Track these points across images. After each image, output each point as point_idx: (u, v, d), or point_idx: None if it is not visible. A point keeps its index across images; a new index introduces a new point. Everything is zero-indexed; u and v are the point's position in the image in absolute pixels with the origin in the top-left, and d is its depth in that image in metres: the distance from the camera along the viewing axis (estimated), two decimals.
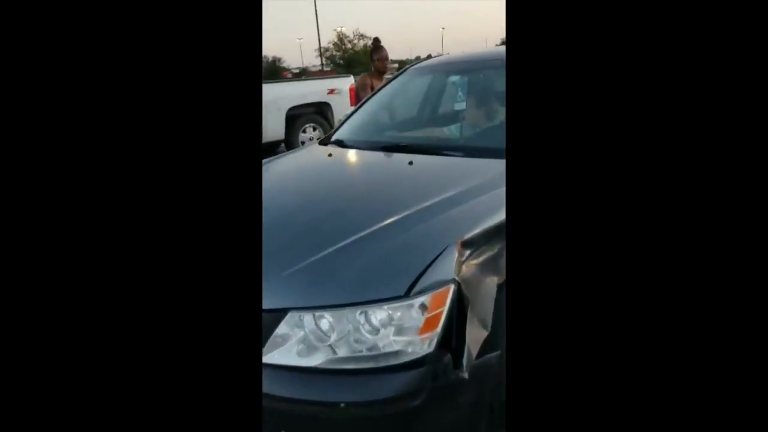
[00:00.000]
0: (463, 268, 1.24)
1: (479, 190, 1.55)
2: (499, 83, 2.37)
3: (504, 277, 1.35)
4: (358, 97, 3.76)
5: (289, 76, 23.99)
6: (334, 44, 39.42)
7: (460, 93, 2.59)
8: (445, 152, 1.92)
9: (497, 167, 1.61)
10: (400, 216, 1.38)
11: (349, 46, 38.80)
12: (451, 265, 1.20)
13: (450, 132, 2.31)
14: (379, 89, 2.77)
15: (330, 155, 2.18)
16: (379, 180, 1.80)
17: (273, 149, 6.29)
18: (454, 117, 2.58)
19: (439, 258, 1.20)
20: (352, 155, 2.16)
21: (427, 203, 1.45)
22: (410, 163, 1.84)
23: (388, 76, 3.48)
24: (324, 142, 2.46)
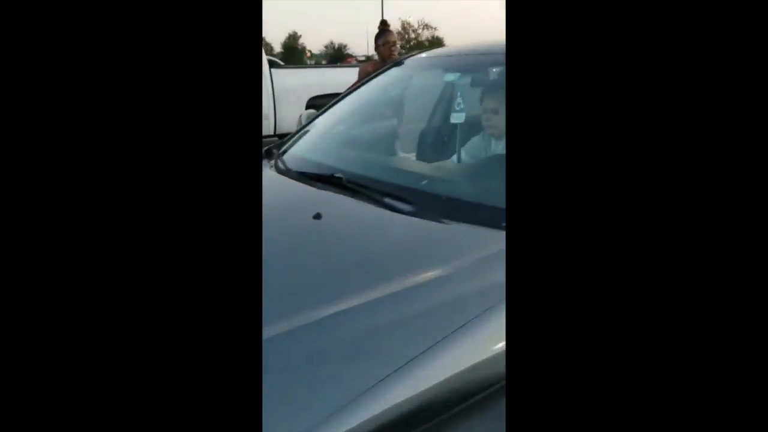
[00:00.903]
0: None
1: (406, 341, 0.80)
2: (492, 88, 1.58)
3: None
4: None
5: (353, 62, 23.71)
6: (398, 33, 38.67)
7: (459, 99, 1.79)
8: (391, 201, 1.16)
9: (476, 254, 0.88)
10: None
11: (412, 35, 37.88)
12: None
13: (429, 161, 1.54)
14: (354, 88, 2.03)
15: None
16: None
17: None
18: (447, 135, 1.80)
19: None
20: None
21: None
22: (317, 216, 1.09)
23: None
24: (269, 152, 1.76)
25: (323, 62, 29.42)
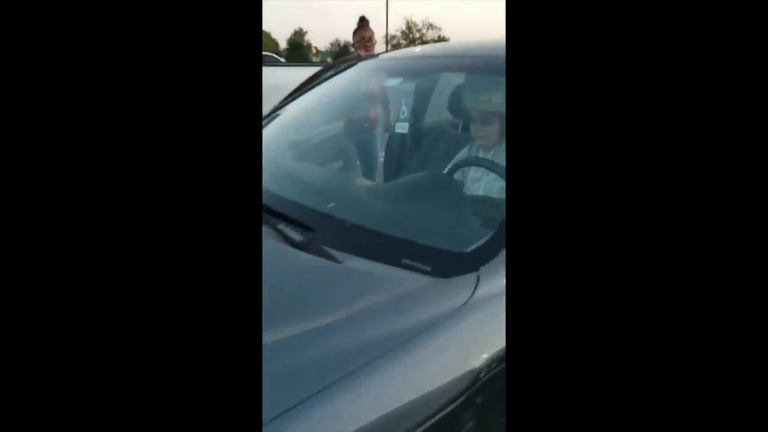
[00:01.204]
0: None
1: None
2: (478, 96, 1.40)
3: None
4: None
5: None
6: (402, 32, 38.42)
7: (403, 107, 1.63)
8: (284, 228, 0.99)
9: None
10: None
11: (417, 35, 37.67)
12: None
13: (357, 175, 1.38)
14: (297, 93, 1.86)
15: None
16: None
17: None
18: (394, 147, 1.64)
19: None
20: None
21: None
22: None
23: None
24: None
25: (329, 59, 29.34)
